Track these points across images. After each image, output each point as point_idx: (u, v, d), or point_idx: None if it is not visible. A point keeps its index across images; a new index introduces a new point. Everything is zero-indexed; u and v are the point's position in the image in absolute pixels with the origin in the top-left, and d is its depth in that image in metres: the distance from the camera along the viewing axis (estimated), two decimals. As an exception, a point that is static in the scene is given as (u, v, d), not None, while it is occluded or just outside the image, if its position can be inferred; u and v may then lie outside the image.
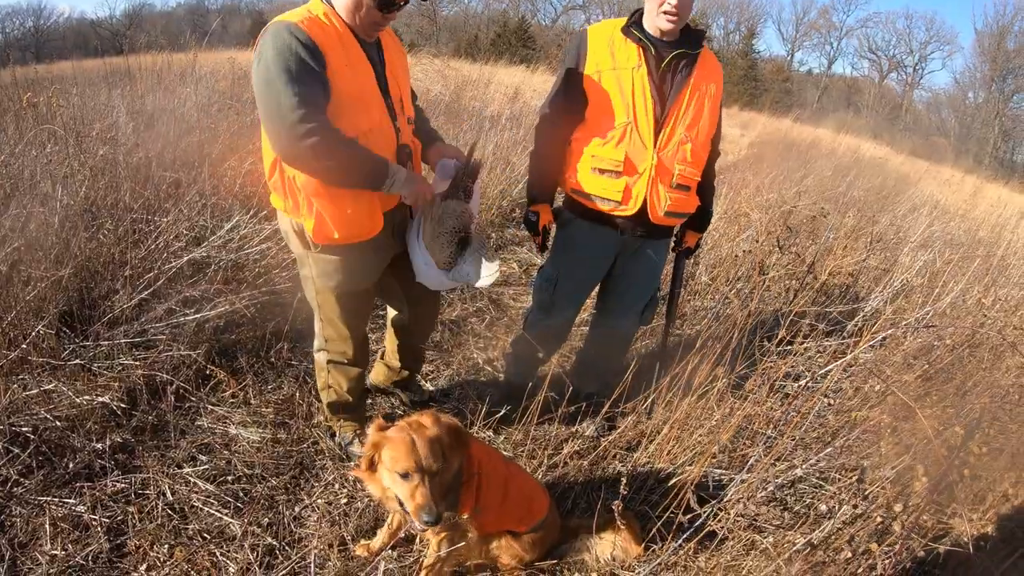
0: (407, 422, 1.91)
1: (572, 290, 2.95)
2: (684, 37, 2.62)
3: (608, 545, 2.31)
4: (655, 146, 2.60)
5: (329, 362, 2.69)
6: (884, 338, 3.17)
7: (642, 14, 2.61)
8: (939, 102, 54.47)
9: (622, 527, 2.26)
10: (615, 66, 2.57)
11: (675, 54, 2.56)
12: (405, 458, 1.80)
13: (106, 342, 3.08)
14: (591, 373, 3.29)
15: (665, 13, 2.48)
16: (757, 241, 4.78)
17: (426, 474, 1.81)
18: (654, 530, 2.36)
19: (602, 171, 2.62)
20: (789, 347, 3.10)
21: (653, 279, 3.02)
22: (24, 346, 2.89)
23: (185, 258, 3.55)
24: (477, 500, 2.08)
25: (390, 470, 1.84)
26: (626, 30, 2.59)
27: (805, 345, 3.29)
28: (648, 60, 2.57)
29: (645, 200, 2.65)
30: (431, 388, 3.51)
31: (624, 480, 2.13)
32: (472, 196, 2.49)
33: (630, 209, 2.66)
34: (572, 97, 2.65)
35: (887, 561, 1.95)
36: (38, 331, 2.93)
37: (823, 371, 2.94)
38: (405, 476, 1.81)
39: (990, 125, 44.79)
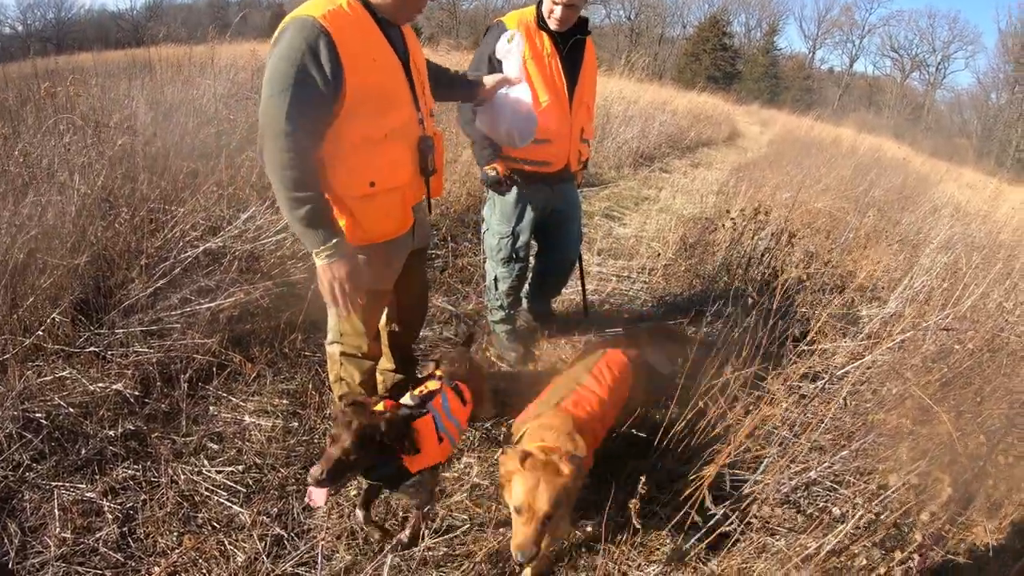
0: (546, 456, 1.95)
1: (527, 239, 3.47)
2: (576, 24, 3.17)
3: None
4: (570, 113, 3.22)
5: (343, 355, 2.68)
6: (903, 340, 3.12)
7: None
8: (961, 103, 53.90)
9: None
10: (535, 55, 3.11)
11: (573, 40, 3.17)
12: (522, 496, 1.86)
13: (121, 330, 3.09)
14: (546, 296, 4.08)
15: (552, 18, 3.06)
16: (775, 240, 4.72)
17: (535, 516, 1.84)
18: (666, 529, 2.33)
19: (536, 141, 3.05)
20: (807, 347, 3.06)
21: (578, 210, 3.72)
22: (39, 333, 2.91)
23: (201, 248, 3.56)
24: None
25: (511, 500, 1.91)
26: (539, 23, 3.12)
27: (823, 346, 3.25)
28: (556, 47, 3.14)
29: (568, 157, 3.31)
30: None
31: (643, 479, 2.05)
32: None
33: (558, 166, 3.30)
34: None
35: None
36: (53, 318, 2.96)
37: (841, 372, 2.89)
38: (518, 511, 1.87)
39: (1013, 127, 44.17)
